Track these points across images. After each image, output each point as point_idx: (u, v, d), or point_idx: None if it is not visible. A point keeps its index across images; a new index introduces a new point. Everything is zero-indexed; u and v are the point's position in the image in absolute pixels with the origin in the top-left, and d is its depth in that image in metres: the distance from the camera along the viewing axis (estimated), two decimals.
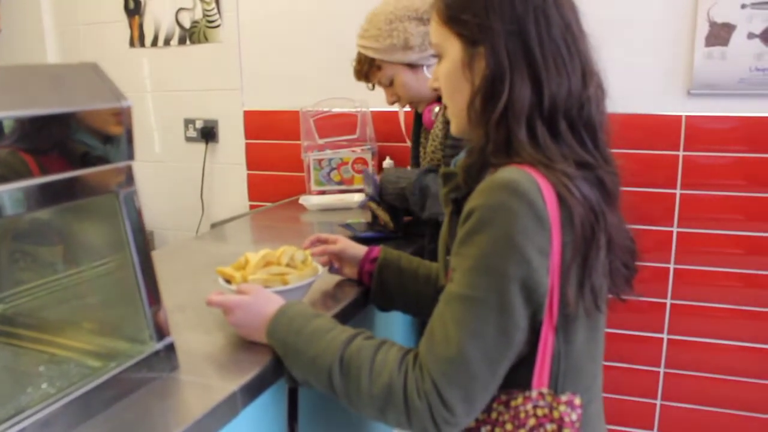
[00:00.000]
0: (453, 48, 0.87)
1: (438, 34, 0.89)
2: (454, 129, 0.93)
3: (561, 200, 0.76)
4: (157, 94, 2.62)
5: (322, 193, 2.12)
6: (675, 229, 1.99)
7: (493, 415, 0.83)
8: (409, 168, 1.82)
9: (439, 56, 0.91)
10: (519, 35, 0.81)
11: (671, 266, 2.01)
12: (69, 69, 0.82)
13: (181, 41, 2.52)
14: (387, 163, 2.15)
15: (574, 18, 0.84)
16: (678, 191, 1.97)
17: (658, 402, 2.11)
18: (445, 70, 0.89)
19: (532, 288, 0.76)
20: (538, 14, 0.81)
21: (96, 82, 0.81)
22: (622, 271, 0.87)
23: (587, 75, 0.83)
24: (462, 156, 0.91)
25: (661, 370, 2.08)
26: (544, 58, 0.81)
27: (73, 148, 0.76)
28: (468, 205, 0.79)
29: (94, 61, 0.83)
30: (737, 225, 1.93)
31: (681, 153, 1.94)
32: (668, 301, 2.04)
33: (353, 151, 2.13)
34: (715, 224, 1.95)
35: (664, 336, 2.06)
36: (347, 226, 1.68)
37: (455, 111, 0.90)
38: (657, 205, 1.99)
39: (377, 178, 1.60)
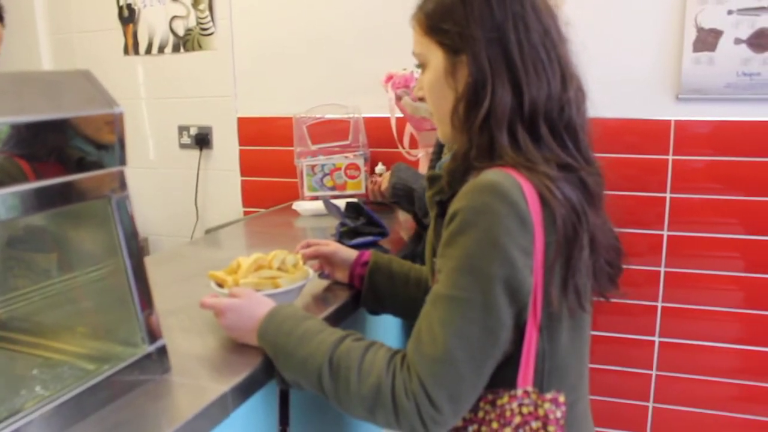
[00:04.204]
0: (435, 57, 0.89)
1: (420, 44, 0.91)
2: (440, 135, 0.95)
3: (543, 201, 0.78)
4: (152, 101, 2.63)
5: (315, 198, 2.13)
6: (665, 233, 2.00)
7: (480, 413, 0.84)
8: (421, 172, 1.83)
9: (422, 66, 0.92)
10: (499, 42, 0.83)
11: (662, 269, 2.03)
12: (62, 76, 0.82)
13: (175, 49, 2.53)
14: (379, 168, 2.17)
15: (552, 23, 0.86)
16: (668, 195, 1.98)
17: (651, 404, 2.12)
18: (428, 79, 0.91)
19: (516, 287, 0.77)
20: (517, 21, 0.83)
21: (88, 89, 0.82)
22: (606, 270, 0.88)
23: (567, 78, 0.85)
24: (447, 159, 0.93)
25: (653, 372, 2.09)
26: (524, 63, 0.82)
27: (66, 153, 0.77)
28: (452, 208, 0.80)
29: (86, 69, 0.84)
30: (727, 228, 1.95)
31: (670, 157, 1.96)
32: (659, 304, 2.05)
33: (346, 156, 2.15)
34: (705, 227, 1.97)
35: (656, 339, 2.07)
36: (339, 237, 1.66)
37: (440, 117, 0.92)
38: (647, 209, 2.01)
39: (339, 204, 1.61)
